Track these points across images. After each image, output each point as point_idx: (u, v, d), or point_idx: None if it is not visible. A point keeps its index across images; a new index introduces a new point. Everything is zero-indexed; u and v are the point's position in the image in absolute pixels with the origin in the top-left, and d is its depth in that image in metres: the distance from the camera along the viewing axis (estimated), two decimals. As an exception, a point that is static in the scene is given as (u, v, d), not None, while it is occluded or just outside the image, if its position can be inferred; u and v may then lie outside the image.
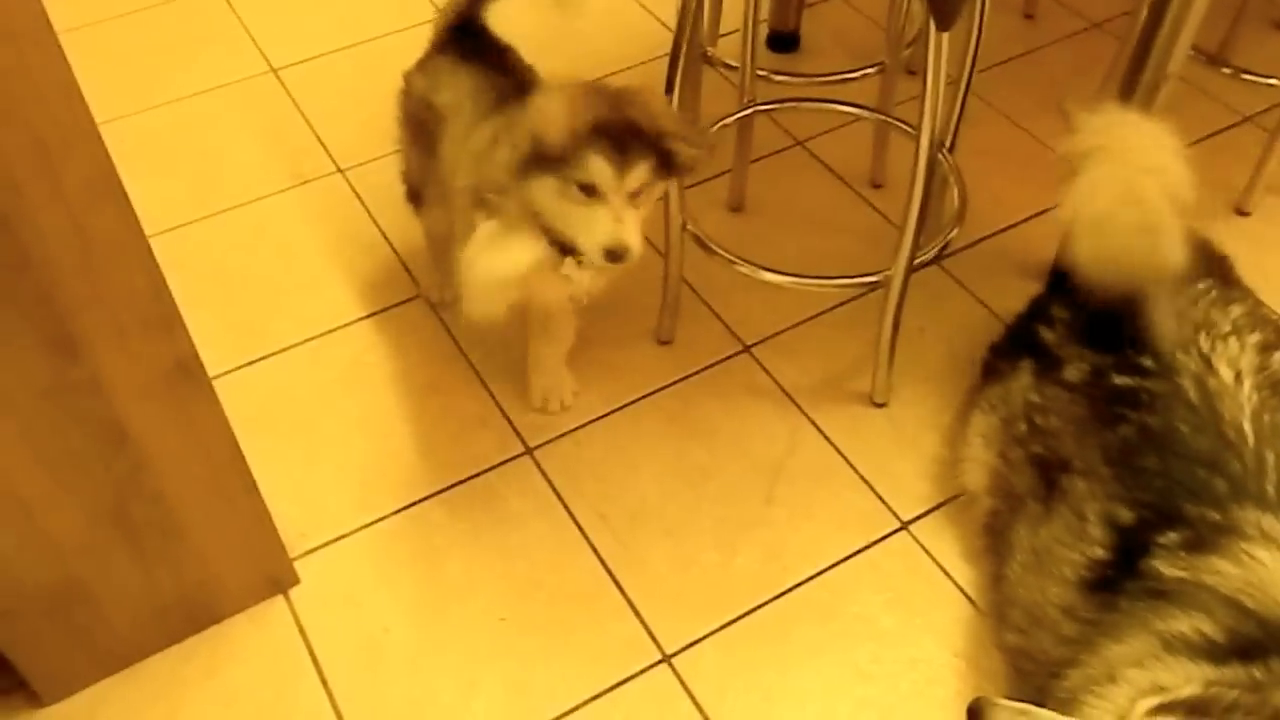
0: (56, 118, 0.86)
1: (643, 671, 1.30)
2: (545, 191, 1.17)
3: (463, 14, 1.47)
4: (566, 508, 1.45)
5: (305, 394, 1.60)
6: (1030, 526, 1.18)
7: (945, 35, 1.17)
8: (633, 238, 1.16)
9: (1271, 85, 1.77)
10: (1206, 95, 2.00)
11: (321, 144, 2.00)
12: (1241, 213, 1.82)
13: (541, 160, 1.15)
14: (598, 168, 1.13)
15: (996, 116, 2.00)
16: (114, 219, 0.94)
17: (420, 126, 1.46)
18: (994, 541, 1.28)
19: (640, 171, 1.15)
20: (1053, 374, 1.26)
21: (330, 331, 1.68)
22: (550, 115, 1.14)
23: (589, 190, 1.15)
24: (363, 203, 1.89)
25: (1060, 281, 1.39)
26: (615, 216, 1.14)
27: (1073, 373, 1.24)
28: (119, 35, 2.24)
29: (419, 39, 1.53)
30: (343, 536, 1.44)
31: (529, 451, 1.52)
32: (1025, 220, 1.82)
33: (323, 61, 2.19)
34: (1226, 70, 1.80)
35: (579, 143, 1.12)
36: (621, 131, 1.13)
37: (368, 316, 1.70)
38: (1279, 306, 1.66)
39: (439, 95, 1.41)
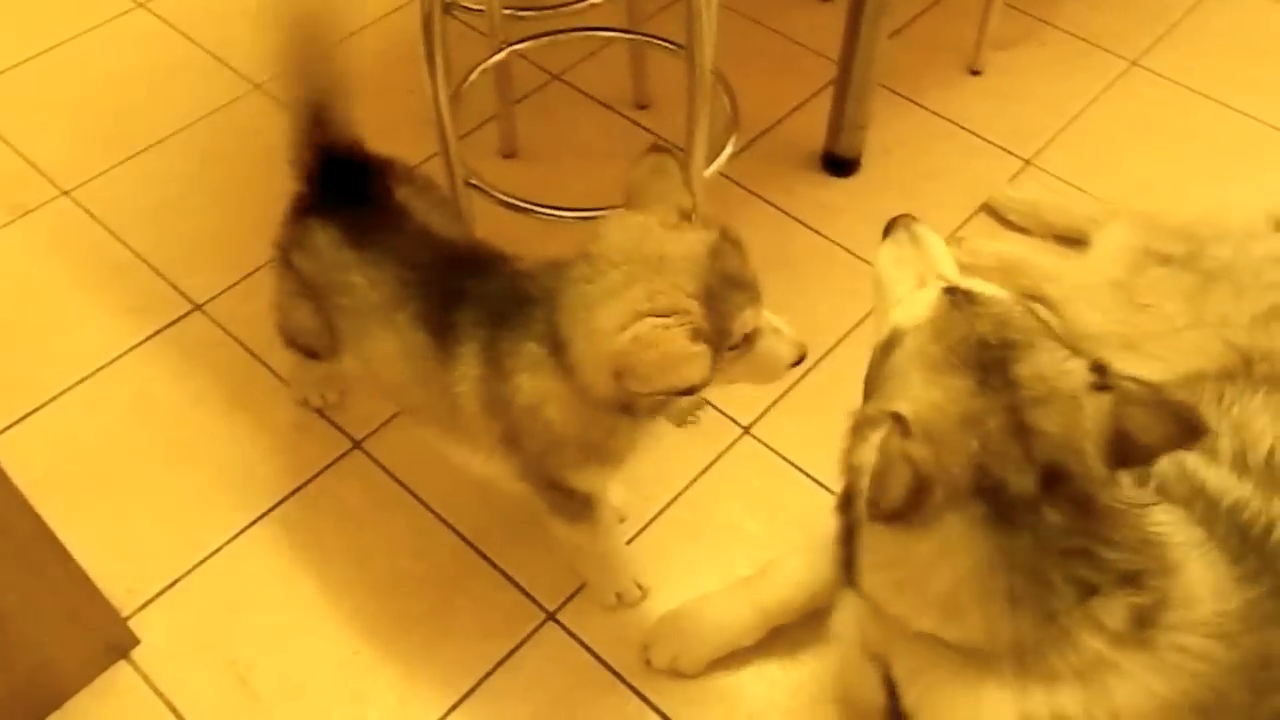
0: None
1: (532, 634, 1.28)
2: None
3: (322, 145, 1.18)
4: (413, 494, 1.39)
5: (92, 440, 1.45)
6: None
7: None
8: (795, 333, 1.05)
9: (977, -51, 1.87)
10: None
11: (34, 167, 1.79)
12: (974, 72, 1.94)
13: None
14: (745, 319, 1.00)
15: (738, 19, 2.02)
16: None
17: (317, 304, 1.22)
18: None
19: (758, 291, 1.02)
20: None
21: (102, 368, 1.52)
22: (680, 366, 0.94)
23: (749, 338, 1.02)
24: (99, 222, 1.71)
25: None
26: (778, 335, 1.03)
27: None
28: None
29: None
30: (175, 582, 1.32)
31: (358, 445, 1.44)
32: (789, 115, 1.86)
33: (8, 77, 1.95)
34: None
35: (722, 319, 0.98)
36: (727, 284, 0.99)
37: (141, 343, 1.55)
38: (1023, 150, 1.81)
39: (339, 297, 1.17)
